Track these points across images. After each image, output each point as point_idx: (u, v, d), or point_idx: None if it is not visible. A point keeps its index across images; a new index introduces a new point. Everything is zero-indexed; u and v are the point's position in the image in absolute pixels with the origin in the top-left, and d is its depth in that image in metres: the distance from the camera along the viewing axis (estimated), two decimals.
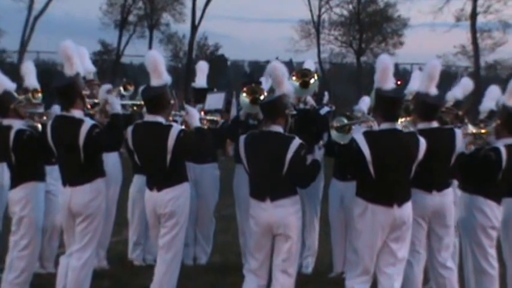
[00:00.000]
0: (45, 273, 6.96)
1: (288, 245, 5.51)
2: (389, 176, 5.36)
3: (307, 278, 7.24)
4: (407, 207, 5.45)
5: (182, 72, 32.75)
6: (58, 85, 5.84)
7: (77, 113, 5.79)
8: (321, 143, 5.89)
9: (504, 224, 6.11)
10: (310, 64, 7.61)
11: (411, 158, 5.41)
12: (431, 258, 5.87)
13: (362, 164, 5.37)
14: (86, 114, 5.93)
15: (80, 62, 5.98)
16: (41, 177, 6.21)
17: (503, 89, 6.30)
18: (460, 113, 6.57)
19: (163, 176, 5.80)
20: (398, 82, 6.49)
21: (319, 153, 5.78)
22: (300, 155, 5.45)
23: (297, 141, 5.46)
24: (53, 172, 6.51)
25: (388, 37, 35.84)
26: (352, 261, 5.68)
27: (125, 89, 7.03)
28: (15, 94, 6.25)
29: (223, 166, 8.24)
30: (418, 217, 5.69)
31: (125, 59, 35.96)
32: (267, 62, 5.91)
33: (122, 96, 6.92)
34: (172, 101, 5.99)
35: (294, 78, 6.90)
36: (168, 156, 5.73)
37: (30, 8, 31.82)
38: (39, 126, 6.25)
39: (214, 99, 7.50)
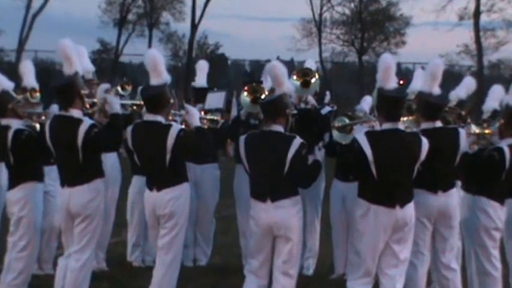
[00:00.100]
0: (43, 275, 6.93)
1: (289, 247, 5.48)
2: (391, 177, 5.34)
3: (308, 279, 7.21)
4: (410, 208, 5.43)
5: (182, 71, 32.76)
6: (56, 84, 5.81)
7: (75, 113, 5.76)
8: (321, 144, 5.86)
9: (507, 224, 6.11)
10: (311, 63, 7.59)
11: (413, 158, 5.39)
12: (435, 259, 5.85)
13: (364, 165, 5.34)
14: (85, 114, 5.91)
15: (79, 61, 5.95)
16: (39, 177, 6.20)
17: (507, 89, 6.31)
18: (463, 112, 6.53)
19: (162, 176, 5.78)
20: (401, 81, 6.48)
21: (319, 154, 5.75)
22: (301, 155, 5.42)
23: (298, 141, 5.43)
24: (51, 172, 6.50)
25: (391, 36, 35.83)
26: (353, 263, 5.62)
27: (123, 88, 7.01)
28: (13, 93, 6.23)
29: (223, 166, 8.22)
30: (423, 218, 5.67)
31: (124, 58, 36.06)
32: (268, 61, 5.87)
33: (122, 96, 6.88)
34: (171, 100, 5.97)
35: (294, 77, 6.92)
36: (168, 156, 5.71)
37: (28, 6, 31.76)
38: (38, 126, 6.22)
39: (215, 99, 7.47)
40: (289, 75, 6.17)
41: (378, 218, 5.34)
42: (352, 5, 35.90)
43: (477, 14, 32.16)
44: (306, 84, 6.97)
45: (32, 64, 6.99)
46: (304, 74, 7.00)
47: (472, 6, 32.36)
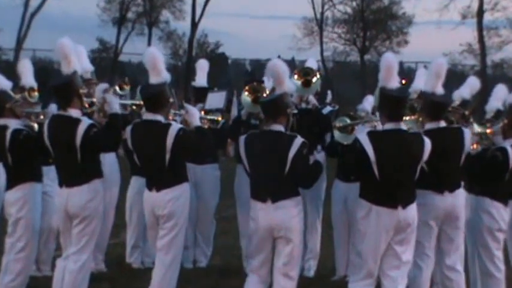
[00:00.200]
0: (41, 276, 6.88)
1: (289, 248, 5.44)
2: (393, 177, 5.31)
3: (309, 281, 7.19)
4: (412, 209, 5.40)
5: (182, 70, 32.76)
6: (55, 83, 5.78)
7: (74, 112, 5.73)
8: (319, 147, 5.80)
9: (511, 225, 6.12)
10: (312, 63, 7.57)
11: (416, 159, 5.36)
12: (439, 260, 5.82)
13: (366, 165, 5.32)
14: (84, 114, 5.88)
15: (78, 61, 5.92)
16: (38, 177, 6.18)
17: (511, 88, 6.37)
18: (467, 112, 6.49)
19: (162, 176, 5.75)
20: (403, 81, 6.44)
21: (319, 156, 5.71)
22: (303, 154, 5.39)
23: (299, 140, 5.40)
24: (49, 173, 6.47)
25: (393, 35, 35.76)
26: (355, 264, 5.60)
27: (121, 88, 6.97)
28: (11, 93, 6.21)
29: (224, 167, 8.18)
30: (430, 219, 5.66)
31: (123, 57, 35.93)
32: (269, 60, 5.82)
33: (121, 96, 6.85)
34: (171, 99, 5.96)
35: (295, 77, 6.91)
36: (167, 156, 5.68)
37: (26, 4, 31.67)
38: (36, 125, 6.21)
39: (215, 99, 7.45)
40: (290, 74, 6.13)
41: (380, 219, 5.32)
42: (354, 3, 35.82)
43: (480, 12, 32.04)
44: (307, 83, 6.95)
45: (30, 63, 6.97)
46: (305, 74, 6.98)
47: (475, 5, 32.26)
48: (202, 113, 6.97)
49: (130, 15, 35.36)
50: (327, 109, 7.58)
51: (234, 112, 7.75)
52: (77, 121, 5.66)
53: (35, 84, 6.72)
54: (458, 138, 5.73)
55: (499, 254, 5.97)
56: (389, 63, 5.44)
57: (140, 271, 7.40)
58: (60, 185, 5.80)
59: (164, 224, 5.76)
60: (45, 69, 20.39)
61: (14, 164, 6.03)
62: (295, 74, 6.86)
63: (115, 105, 5.89)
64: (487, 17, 32.34)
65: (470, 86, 6.88)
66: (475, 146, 5.92)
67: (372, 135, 5.39)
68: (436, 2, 36.50)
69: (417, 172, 5.39)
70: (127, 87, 7.05)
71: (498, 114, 6.41)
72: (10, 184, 6.09)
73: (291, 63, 23.64)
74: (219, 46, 37.20)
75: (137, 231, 7.58)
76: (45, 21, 38.20)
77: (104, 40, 35.51)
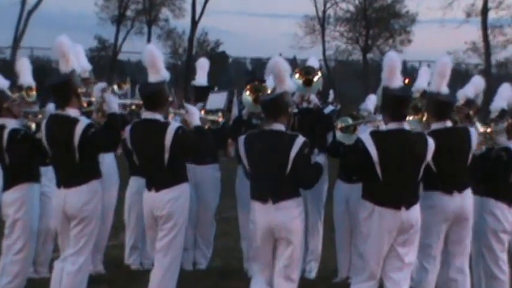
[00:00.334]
0: (39, 278, 6.84)
1: (290, 250, 5.38)
2: (396, 178, 5.28)
3: (311, 283, 7.14)
4: (416, 210, 5.36)
5: (182, 69, 32.78)
6: (53, 82, 5.76)
7: (72, 112, 5.69)
8: (316, 151, 5.74)
9: None
10: (314, 61, 7.53)
11: (419, 159, 5.33)
12: (446, 262, 5.80)
13: (368, 165, 5.28)
14: (83, 113, 5.84)
15: (76, 59, 5.89)
16: (35, 178, 6.16)
17: None
18: (471, 112, 6.44)
19: (161, 176, 5.71)
20: (406, 80, 6.41)
21: (319, 158, 5.67)
22: (304, 154, 5.34)
23: (300, 139, 5.35)
24: (47, 173, 6.45)
25: (396, 34, 35.75)
26: (357, 266, 5.57)
27: (119, 87, 6.93)
28: (9, 92, 6.19)
29: (224, 167, 8.15)
30: (440, 221, 5.64)
31: (122, 56, 35.97)
32: (270, 59, 5.76)
33: (120, 95, 6.81)
34: (170, 98, 5.94)
35: (297, 75, 6.86)
36: (166, 155, 5.64)
37: (23, 2, 31.41)
38: (33, 125, 6.19)
39: (216, 99, 7.42)
40: (292, 73, 6.07)
41: (383, 220, 5.28)
42: (357, 1, 35.85)
43: (485, 10, 31.92)
44: (308, 82, 6.89)
45: (28, 62, 6.98)
46: (307, 73, 6.93)
47: (479, 3, 32.10)
48: (203, 112, 6.92)
49: (129, 13, 35.37)
50: (329, 109, 7.52)
51: (234, 111, 7.70)
52: (75, 121, 5.63)
53: (33, 84, 6.71)
54: (465, 138, 5.71)
55: (503, 256, 5.96)
56: (392, 62, 5.41)
57: (139, 273, 7.35)
58: (58, 185, 5.77)
59: (163, 225, 5.72)
60: (42, 68, 20.40)
61: (12, 164, 6.01)
62: (296, 72, 6.82)
63: (114, 104, 5.85)
64: (492, 15, 32.33)
65: (475, 85, 6.85)
66: (483, 146, 5.92)
67: (375, 135, 5.35)
68: (440, 0, 36.29)
69: (421, 172, 5.35)
70: (126, 86, 7.03)
71: (503, 113, 6.37)
72: (7, 185, 6.06)
73: (293, 62, 23.62)
74: (220, 45, 37.24)
75: (136, 232, 7.54)
76: (43, 19, 38.37)
77: (102, 38, 35.55)
